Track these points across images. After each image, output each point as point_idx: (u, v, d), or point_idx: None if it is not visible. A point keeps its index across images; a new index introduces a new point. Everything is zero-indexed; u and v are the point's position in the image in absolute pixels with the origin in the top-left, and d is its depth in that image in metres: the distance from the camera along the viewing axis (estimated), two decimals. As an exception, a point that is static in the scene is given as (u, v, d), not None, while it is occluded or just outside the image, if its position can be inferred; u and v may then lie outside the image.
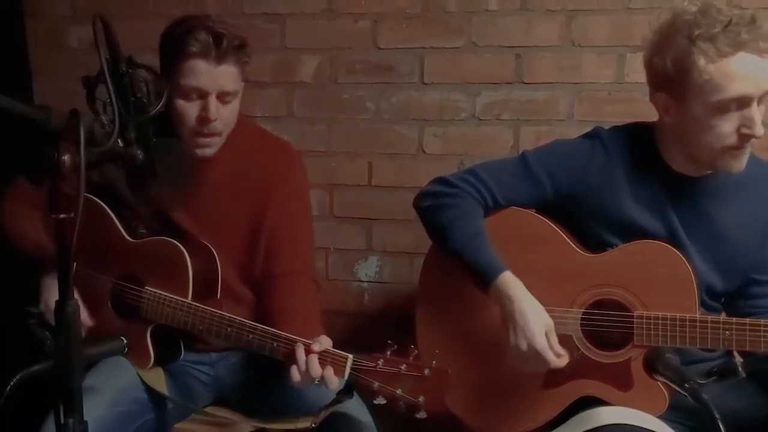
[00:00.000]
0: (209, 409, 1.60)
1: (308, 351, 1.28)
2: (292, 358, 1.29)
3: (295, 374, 1.29)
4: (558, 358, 1.36)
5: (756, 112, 1.27)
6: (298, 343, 1.30)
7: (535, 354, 1.35)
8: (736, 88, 1.25)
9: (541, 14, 1.90)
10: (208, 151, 1.49)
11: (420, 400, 1.18)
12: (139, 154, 1.02)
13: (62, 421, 0.92)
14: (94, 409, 1.32)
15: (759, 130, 1.27)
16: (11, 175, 1.57)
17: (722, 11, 1.27)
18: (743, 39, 1.23)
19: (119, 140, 0.99)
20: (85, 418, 0.98)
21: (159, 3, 2.11)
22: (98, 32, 0.96)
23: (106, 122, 0.96)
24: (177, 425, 1.55)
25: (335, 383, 1.28)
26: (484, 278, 1.40)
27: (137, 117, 1.01)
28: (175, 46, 1.41)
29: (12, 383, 1.00)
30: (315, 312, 1.53)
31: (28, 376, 1.01)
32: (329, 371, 1.26)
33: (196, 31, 1.40)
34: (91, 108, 1.00)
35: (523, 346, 1.36)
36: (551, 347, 1.35)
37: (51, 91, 2.17)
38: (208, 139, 1.47)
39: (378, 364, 1.22)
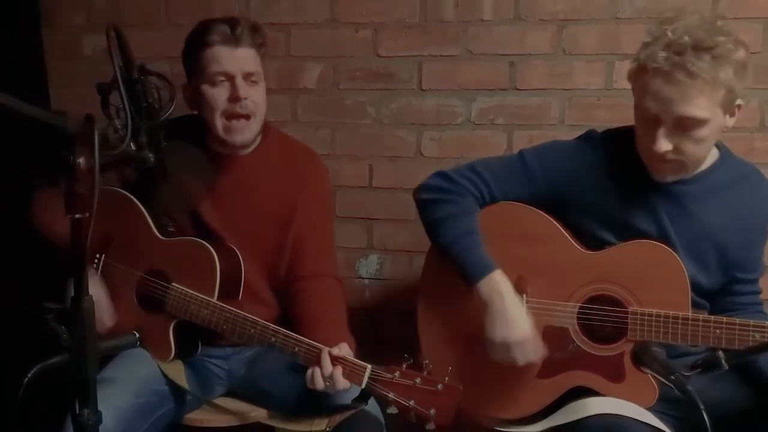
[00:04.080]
0: (219, 401, 1.63)
1: (333, 359, 1.33)
2: (312, 365, 1.35)
3: (310, 381, 1.34)
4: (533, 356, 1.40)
5: (662, 132, 1.30)
6: (323, 351, 1.34)
7: (506, 347, 1.39)
8: (646, 102, 1.30)
9: (534, 24, 1.92)
10: (247, 135, 1.53)
11: (431, 412, 1.22)
12: (150, 157, 1.06)
13: (77, 412, 0.95)
14: (116, 399, 1.36)
15: (659, 146, 1.31)
16: (29, 176, 1.60)
17: (681, 30, 1.26)
18: (659, 61, 1.26)
19: (131, 144, 1.02)
20: (107, 409, 1.02)
21: (170, 13, 2.14)
22: (112, 41, 1.00)
23: (119, 127, 0.99)
24: (188, 415, 1.58)
25: (342, 385, 1.32)
26: (472, 275, 1.43)
27: (149, 122, 1.05)
28: (196, 40, 1.50)
29: (29, 376, 1.01)
30: (340, 312, 1.56)
31: (44, 369, 1.01)
32: (338, 371, 1.31)
33: (212, 24, 1.50)
34: (105, 113, 1.03)
35: (499, 337, 1.40)
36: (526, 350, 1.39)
37: (67, 97, 2.19)
38: (241, 121, 1.51)
39: (394, 376, 1.26)
